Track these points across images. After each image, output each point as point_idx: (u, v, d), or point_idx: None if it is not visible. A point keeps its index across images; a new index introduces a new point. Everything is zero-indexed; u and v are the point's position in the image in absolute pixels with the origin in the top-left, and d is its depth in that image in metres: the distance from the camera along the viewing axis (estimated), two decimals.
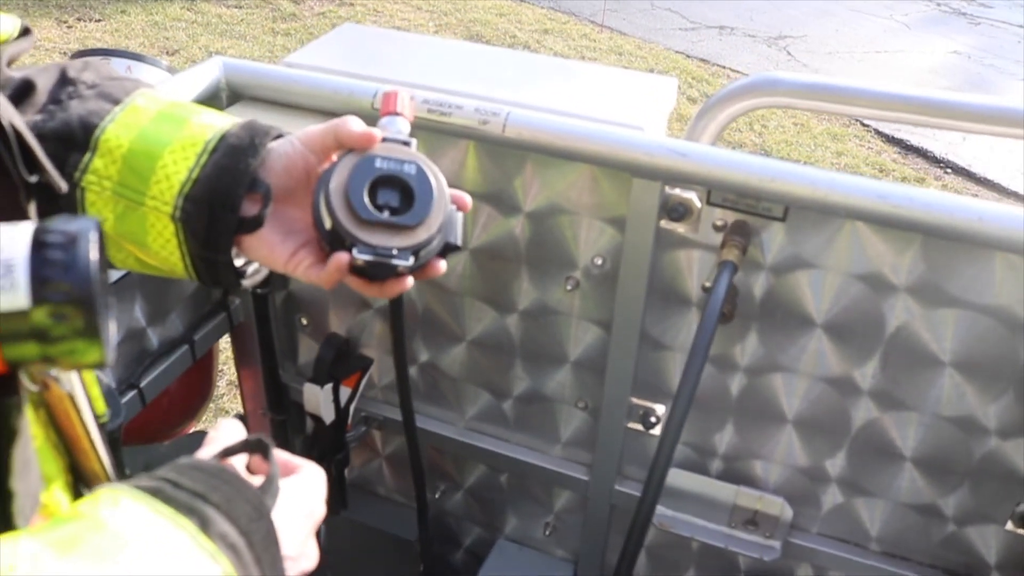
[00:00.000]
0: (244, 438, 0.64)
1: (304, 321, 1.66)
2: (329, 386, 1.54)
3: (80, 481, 0.62)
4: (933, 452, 1.32)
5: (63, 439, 0.60)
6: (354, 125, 0.80)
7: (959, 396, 1.26)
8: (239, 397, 2.54)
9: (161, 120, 0.83)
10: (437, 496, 1.79)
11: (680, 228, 1.29)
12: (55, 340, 0.48)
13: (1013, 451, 1.27)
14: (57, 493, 0.58)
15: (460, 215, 0.83)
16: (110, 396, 0.98)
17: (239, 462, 0.65)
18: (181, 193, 0.79)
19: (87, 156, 0.81)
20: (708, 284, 1.32)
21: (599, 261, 1.37)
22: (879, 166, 5.23)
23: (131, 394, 1.41)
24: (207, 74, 1.37)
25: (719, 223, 1.26)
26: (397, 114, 0.84)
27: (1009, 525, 1.34)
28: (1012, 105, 1.16)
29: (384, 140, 0.81)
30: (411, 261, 0.77)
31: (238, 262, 0.86)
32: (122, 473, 0.65)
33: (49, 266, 0.48)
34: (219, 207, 0.79)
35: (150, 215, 0.81)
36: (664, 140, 1.21)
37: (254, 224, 0.81)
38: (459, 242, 0.83)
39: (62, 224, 0.49)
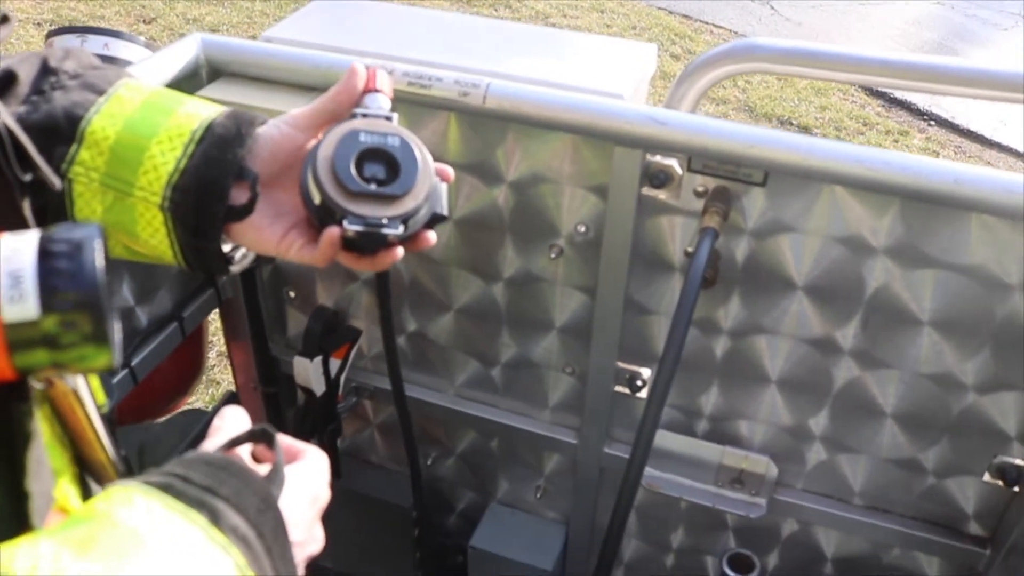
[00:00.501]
0: (249, 428, 0.65)
1: (292, 294, 1.67)
2: (319, 359, 1.56)
3: (86, 471, 0.64)
4: (913, 408, 1.35)
5: (68, 432, 0.61)
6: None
7: (937, 354, 1.28)
8: (230, 369, 2.55)
9: (147, 110, 0.84)
10: (429, 463, 1.81)
11: (662, 195, 1.30)
12: (65, 347, 0.49)
13: (990, 405, 1.30)
14: (66, 487, 0.60)
15: (444, 186, 0.85)
16: (103, 379, 1.00)
17: (245, 451, 0.66)
18: (169, 183, 0.80)
19: (73, 148, 0.81)
20: (691, 249, 1.34)
21: (582, 229, 1.38)
22: (863, 119, 5.24)
23: (122, 373, 1.42)
24: (185, 51, 1.37)
25: (700, 189, 1.28)
26: (377, 91, 0.85)
27: (986, 476, 1.38)
28: (995, 68, 1.17)
29: (365, 116, 0.83)
30: (401, 230, 0.78)
31: (226, 247, 0.87)
32: (124, 460, 0.67)
33: (56, 275, 0.49)
34: (207, 197, 0.80)
35: (139, 205, 0.82)
36: (644, 109, 1.22)
37: (243, 212, 0.82)
38: (445, 212, 0.84)
39: (66, 232, 0.50)
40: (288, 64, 1.35)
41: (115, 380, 1.42)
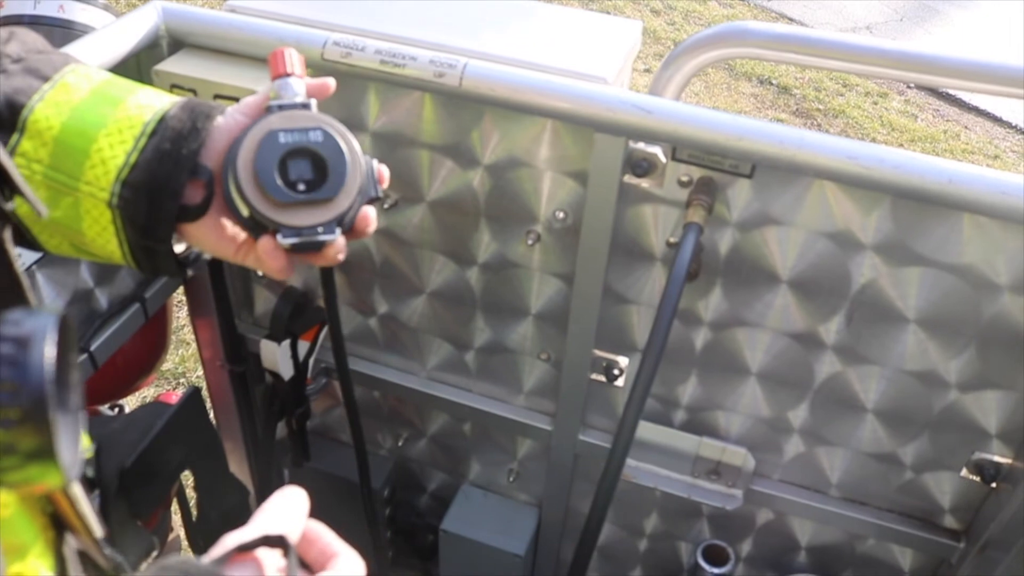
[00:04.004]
0: (263, 534, 0.57)
1: (259, 272, 1.62)
2: (287, 342, 1.51)
3: (65, 530, 0.57)
4: (894, 405, 1.33)
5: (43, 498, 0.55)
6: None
7: (922, 352, 1.26)
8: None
9: (95, 99, 0.78)
10: (400, 444, 1.78)
11: (644, 183, 1.25)
12: (4, 470, 0.43)
13: (971, 404, 1.28)
14: (34, 563, 0.54)
15: (375, 163, 0.79)
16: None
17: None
18: (118, 179, 0.75)
19: (15, 137, 0.75)
20: (673, 240, 1.29)
21: (561, 215, 1.33)
22: (843, 81, 5.19)
23: (81, 359, 1.37)
24: (144, 21, 1.29)
25: (684, 179, 1.23)
26: (289, 75, 0.79)
27: (964, 472, 1.37)
28: (995, 62, 1.12)
29: (281, 108, 0.77)
30: (338, 232, 0.74)
31: (179, 248, 0.82)
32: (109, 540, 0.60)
33: None
34: (159, 194, 0.75)
35: (85, 201, 0.76)
36: (628, 95, 1.17)
37: (197, 212, 0.76)
38: (380, 194, 0.79)
39: (12, 326, 0.42)
40: (254, 36, 1.28)
41: None
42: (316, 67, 1.26)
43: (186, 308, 2.92)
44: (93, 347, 1.39)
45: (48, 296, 1.31)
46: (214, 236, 0.78)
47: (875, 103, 5.08)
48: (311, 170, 0.74)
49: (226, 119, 0.79)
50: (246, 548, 0.56)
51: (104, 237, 0.78)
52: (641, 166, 1.22)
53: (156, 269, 0.81)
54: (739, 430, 1.45)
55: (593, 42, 1.34)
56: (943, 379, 1.27)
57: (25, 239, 0.82)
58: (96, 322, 1.41)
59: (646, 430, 1.48)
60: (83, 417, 0.48)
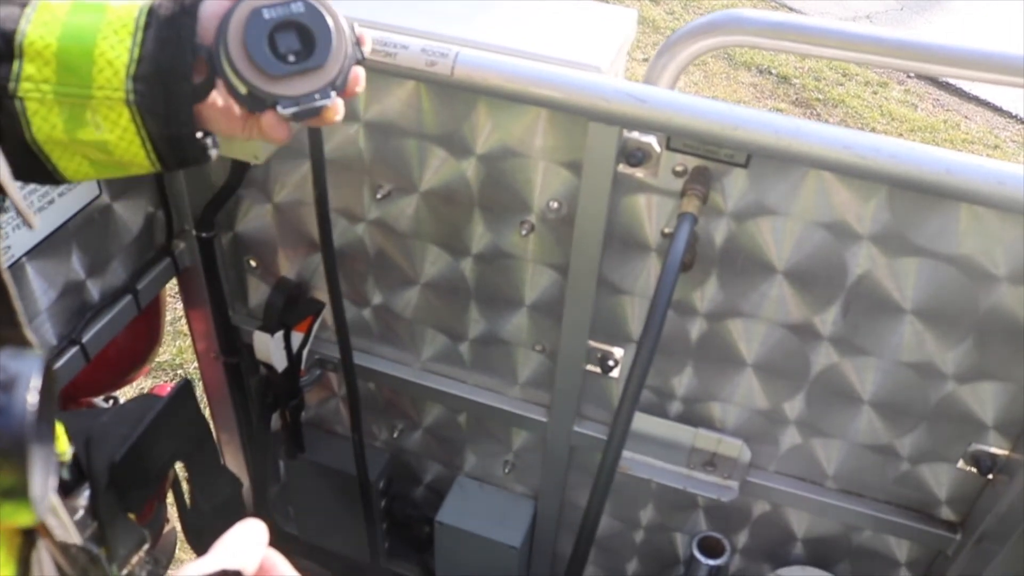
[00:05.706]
0: (221, 568, 0.57)
1: (253, 263, 1.61)
2: (280, 334, 1.50)
3: (37, 536, 0.57)
4: (891, 396, 1.32)
5: None
6: None
7: (919, 343, 1.25)
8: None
9: (79, 11, 0.79)
10: (396, 435, 1.77)
11: (639, 173, 1.24)
12: None
13: (968, 395, 1.28)
14: None
15: (356, 27, 0.83)
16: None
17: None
18: (128, 76, 0.76)
19: (16, 64, 0.76)
20: (668, 230, 1.28)
21: (555, 205, 1.32)
22: (843, 70, 5.16)
23: (73, 351, 1.36)
24: None
25: (679, 168, 1.22)
26: None
27: (960, 463, 1.36)
28: (992, 50, 1.10)
29: None
30: (333, 96, 0.79)
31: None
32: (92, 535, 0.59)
33: None
34: (171, 79, 0.76)
35: (102, 107, 0.77)
36: (622, 84, 1.15)
37: (205, 90, 0.79)
38: (364, 55, 0.83)
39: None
40: None
41: (65, 359, 1.35)
42: None
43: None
44: (84, 339, 1.38)
45: (39, 289, 1.30)
46: (222, 115, 0.81)
47: (875, 92, 5.06)
48: (298, 40, 0.78)
49: (210, 1, 0.80)
50: None
51: (127, 139, 0.79)
52: (635, 156, 1.21)
53: (182, 159, 0.83)
54: (735, 421, 1.45)
55: (587, 31, 1.32)
56: (940, 370, 1.26)
57: (44, 171, 0.82)
58: (88, 314, 1.40)
59: (641, 421, 1.47)
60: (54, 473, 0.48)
